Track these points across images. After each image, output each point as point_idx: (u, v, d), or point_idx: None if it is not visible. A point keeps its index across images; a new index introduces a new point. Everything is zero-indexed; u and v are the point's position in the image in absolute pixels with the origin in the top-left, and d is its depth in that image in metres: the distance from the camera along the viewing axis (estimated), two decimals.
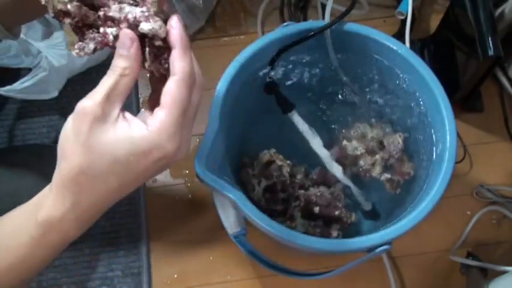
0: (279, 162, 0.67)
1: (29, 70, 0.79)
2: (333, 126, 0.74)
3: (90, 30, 0.37)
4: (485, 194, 0.79)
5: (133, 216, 0.78)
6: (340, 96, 0.73)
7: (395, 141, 0.69)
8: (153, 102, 0.37)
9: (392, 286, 0.73)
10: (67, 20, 0.37)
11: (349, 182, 0.68)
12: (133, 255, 0.76)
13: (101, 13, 0.37)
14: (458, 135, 0.62)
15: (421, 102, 0.65)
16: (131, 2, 0.36)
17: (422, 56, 0.84)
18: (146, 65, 0.37)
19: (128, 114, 0.36)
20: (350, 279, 0.74)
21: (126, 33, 0.36)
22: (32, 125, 0.85)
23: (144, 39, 0.36)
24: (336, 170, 0.68)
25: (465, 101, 0.83)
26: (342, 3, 0.73)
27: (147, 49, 0.37)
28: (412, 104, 0.66)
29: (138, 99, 0.87)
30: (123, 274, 0.75)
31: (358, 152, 0.69)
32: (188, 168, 0.81)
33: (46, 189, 0.38)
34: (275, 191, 0.67)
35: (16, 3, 0.47)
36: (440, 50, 0.84)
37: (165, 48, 0.37)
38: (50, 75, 0.78)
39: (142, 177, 0.37)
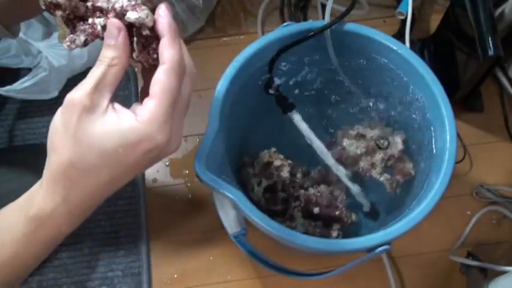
0: (279, 162, 0.67)
1: (29, 70, 0.79)
2: (333, 126, 0.74)
3: (81, 22, 0.37)
4: (485, 194, 0.79)
5: (133, 216, 0.78)
6: (340, 96, 0.73)
7: (396, 141, 0.69)
8: (145, 95, 0.36)
9: (392, 286, 0.73)
10: (58, 13, 0.36)
11: (349, 182, 0.68)
12: (133, 255, 0.76)
13: (89, 4, 0.36)
14: (458, 135, 0.62)
15: (421, 102, 0.65)
16: None
17: (422, 56, 0.84)
18: (134, 55, 0.37)
19: (117, 105, 0.36)
20: (350, 279, 0.74)
21: (113, 23, 0.35)
22: (32, 125, 0.85)
23: (132, 29, 0.36)
24: (336, 169, 0.68)
25: (465, 101, 0.83)
26: (342, 3, 0.73)
27: (134, 39, 0.36)
28: (412, 104, 0.66)
29: (138, 94, 0.87)
30: (123, 274, 0.75)
31: (358, 152, 0.69)
32: (188, 168, 0.81)
33: (37, 185, 0.38)
34: (275, 191, 0.67)
35: (14, 1, 0.47)
36: (440, 50, 0.84)
37: (153, 37, 0.36)
38: (50, 75, 0.78)
39: (133, 170, 0.36)
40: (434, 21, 0.91)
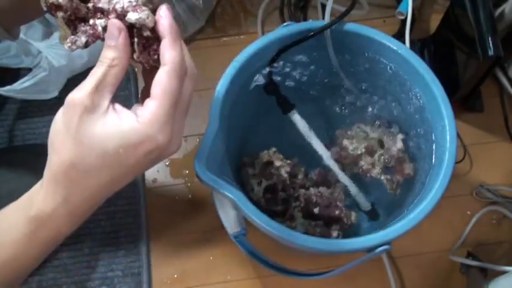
0: (279, 162, 0.67)
1: (29, 70, 0.79)
2: (333, 126, 0.74)
3: (82, 24, 0.37)
4: (485, 194, 0.79)
5: (133, 216, 0.78)
6: (340, 96, 0.73)
7: (396, 141, 0.69)
8: (146, 96, 0.37)
9: (392, 286, 0.73)
10: (59, 14, 0.37)
11: (349, 182, 0.68)
12: (133, 255, 0.76)
13: (90, 5, 0.36)
14: (458, 135, 0.62)
15: (421, 102, 0.65)
16: None
17: (422, 56, 0.84)
18: (135, 56, 0.37)
19: (117, 106, 0.36)
20: (350, 279, 0.74)
21: (114, 23, 0.35)
22: (32, 125, 0.85)
23: (133, 30, 0.36)
24: (336, 170, 0.68)
25: (465, 101, 0.83)
26: (342, 3, 0.73)
27: (135, 40, 0.36)
28: (412, 104, 0.66)
29: (138, 95, 0.87)
30: (123, 274, 0.75)
31: (358, 152, 0.69)
32: (188, 168, 0.81)
33: (37, 185, 0.38)
34: (275, 191, 0.67)
35: (15, 4, 0.47)
36: (440, 50, 0.84)
37: (154, 38, 0.36)
38: (50, 75, 0.78)
39: (134, 171, 0.36)
40: (434, 21, 0.91)
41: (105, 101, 0.35)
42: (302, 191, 0.67)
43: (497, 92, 0.86)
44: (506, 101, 0.85)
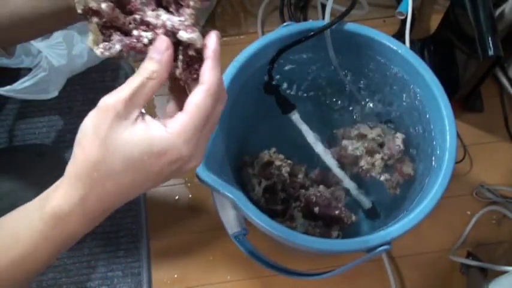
0: (279, 162, 0.67)
1: (29, 70, 0.79)
2: (333, 126, 0.74)
3: (118, 32, 0.38)
4: (485, 194, 0.79)
5: (133, 216, 0.78)
6: (340, 96, 0.73)
7: (396, 142, 0.69)
8: (172, 110, 0.38)
9: (392, 286, 0.73)
10: (94, 19, 0.37)
11: (349, 182, 0.68)
12: (133, 255, 0.76)
13: (137, 16, 0.37)
14: (458, 135, 0.62)
15: (421, 102, 0.65)
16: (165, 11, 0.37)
17: (422, 56, 0.84)
18: (177, 72, 0.38)
19: (147, 117, 0.37)
20: (350, 279, 0.74)
21: (164, 39, 0.36)
22: (32, 125, 0.85)
23: (176, 47, 0.37)
24: (336, 170, 0.68)
25: (465, 101, 0.83)
26: (342, 3, 0.73)
27: (180, 57, 0.37)
28: (412, 104, 0.66)
29: None
30: (123, 274, 0.75)
31: (358, 152, 0.69)
32: None
33: (55, 184, 0.38)
34: (275, 191, 0.67)
35: (13, 25, 0.48)
36: (440, 50, 0.84)
37: (197, 58, 0.37)
38: (50, 75, 0.78)
39: (156, 179, 0.37)
40: (434, 21, 0.91)
41: (137, 111, 0.36)
42: (302, 191, 0.67)
43: (497, 92, 0.86)
44: (506, 101, 0.85)
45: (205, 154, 0.53)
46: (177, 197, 0.79)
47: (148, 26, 0.37)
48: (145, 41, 0.37)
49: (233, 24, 0.92)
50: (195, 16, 0.37)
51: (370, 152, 0.70)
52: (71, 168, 0.36)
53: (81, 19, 0.37)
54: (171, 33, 0.37)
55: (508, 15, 0.76)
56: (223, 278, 0.74)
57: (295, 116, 0.66)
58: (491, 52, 0.68)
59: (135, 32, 0.37)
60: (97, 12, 0.37)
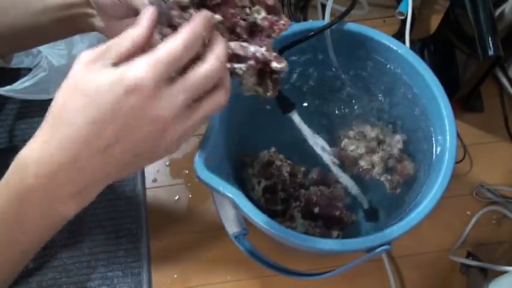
0: (279, 162, 0.67)
1: (29, 70, 0.79)
2: (333, 126, 0.74)
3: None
4: (485, 194, 0.79)
5: (133, 217, 0.78)
6: (340, 96, 0.73)
7: (396, 141, 0.69)
8: None
9: (392, 286, 0.73)
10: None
11: (349, 182, 0.68)
12: (133, 255, 0.76)
13: (229, 50, 0.39)
14: (458, 135, 0.62)
15: (421, 102, 0.65)
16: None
17: (422, 56, 0.84)
18: (269, 93, 0.43)
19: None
20: (350, 279, 0.74)
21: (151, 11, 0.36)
22: (32, 125, 0.85)
23: (262, 71, 0.41)
24: (336, 170, 0.68)
25: (465, 101, 0.83)
26: (342, 3, 0.73)
27: (269, 82, 0.42)
28: (412, 104, 0.67)
29: None
30: (123, 274, 0.75)
31: (358, 152, 0.69)
32: (188, 168, 0.81)
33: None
34: (275, 191, 0.67)
35: (14, 36, 0.48)
36: (440, 50, 0.84)
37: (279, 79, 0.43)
38: (50, 75, 0.78)
39: (115, 117, 0.33)
40: (434, 21, 0.91)
41: (107, 61, 0.35)
42: (302, 191, 0.67)
43: (497, 92, 0.86)
44: (506, 101, 0.85)
45: (205, 153, 0.54)
46: (177, 197, 0.79)
47: (239, 58, 0.39)
48: (240, 72, 0.40)
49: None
50: (271, 45, 0.41)
51: (370, 152, 0.70)
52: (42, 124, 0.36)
53: (83, 31, 0.38)
54: (262, 63, 0.40)
55: (508, 15, 0.76)
56: (223, 278, 0.74)
57: (296, 116, 0.66)
58: (491, 52, 0.68)
59: (228, 65, 0.39)
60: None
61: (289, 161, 0.68)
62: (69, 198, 0.36)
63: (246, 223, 0.59)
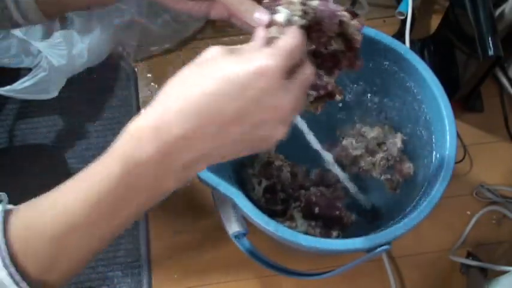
0: (279, 162, 0.67)
1: (29, 70, 0.79)
2: (333, 126, 0.74)
3: None
4: (485, 194, 0.79)
5: None
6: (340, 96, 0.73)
7: (396, 141, 0.69)
8: None
9: (392, 286, 0.73)
10: None
11: (349, 182, 0.68)
12: (133, 255, 0.76)
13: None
14: (458, 135, 0.62)
15: (421, 102, 0.65)
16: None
17: (422, 56, 0.84)
18: (312, 112, 0.47)
19: None
20: (350, 279, 0.74)
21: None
22: (32, 125, 0.85)
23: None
24: (336, 170, 0.68)
25: (465, 101, 0.83)
26: (342, 3, 0.73)
27: (320, 105, 0.47)
28: (412, 104, 0.66)
29: (138, 100, 0.87)
30: (123, 274, 0.75)
31: (358, 152, 0.69)
32: None
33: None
34: (275, 191, 0.67)
35: None
36: (440, 50, 0.84)
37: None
38: (50, 75, 0.78)
39: (239, 94, 0.33)
40: (434, 21, 0.91)
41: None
42: (302, 191, 0.67)
43: (497, 92, 0.86)
44: (506, 101, 0.85)
45: None
46: (177, 197, 0.79)
47: (314, 86, 0.44)
48: (311, 98, 0.44)
49: (233, 25, 0.92)
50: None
51: (370, 152, 0.70)
52: (150, 113, 0.34)
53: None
54: (331, 93, 0.45)
55: (508, 15, 0.76)
56: (223, 278, 0.74)
57: (295, 116, 0.66)
58: (491, 52, 0.68)
59: None
60: None
61: (289, 161, 0.68)
62: (175, 173, 0.36)
63: (246, 223, 0.59)
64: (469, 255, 0.74)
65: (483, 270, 0.71)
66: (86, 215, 0.35)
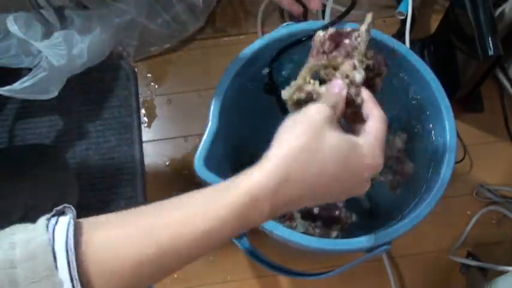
0: None
1: (29, 70, 0.79)
2: None
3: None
4: (485, 194, 0.79)
5: None
6: None
7: (396, 141, 0.69)
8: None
9: (392, 286, 0.73)
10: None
11: None
12: None
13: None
14: (458, 135, 0.62)
15: (421, 102, 0.65)
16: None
17: (422, 56, 0.84)
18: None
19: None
20: (350, 279, 0.74)
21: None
22: (32, 125, 0.85)
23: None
24: None
25: (465, 101, 0.83)
26: (342, 3, 0.73)
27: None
28: (412, 104, 0.66)
29: (138, 100, 0.87)
30: None
31: None
32: (188, 168, 0.81)
33: (250, 169, 0.40)
34: None
35: None
36: (440, 50, 0.84)
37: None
38: (50, 75, 0.78)
39: (344, 184, 0.40)
40: (434, 21, 0.91)
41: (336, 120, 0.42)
42: None
43: (497, 92, 0.86)
44: (506, 101, 0.85)
45: (205, 153, 0.54)
46: None
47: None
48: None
49: (233, 24, 0.92)
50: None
51: None
52: (277, 150, 0.40)
53: None
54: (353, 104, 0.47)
55: (508, 15, 0.76)
56: (223, 278, 0.74)
57: None
58: (491, 52, 0.68)
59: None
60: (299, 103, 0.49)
61: None
62: (270, 212, 0.39)
63: None
64: (469, 255, 0.74)
65: (483, 270, 0.71)
66: (186, 253, 0.37)
